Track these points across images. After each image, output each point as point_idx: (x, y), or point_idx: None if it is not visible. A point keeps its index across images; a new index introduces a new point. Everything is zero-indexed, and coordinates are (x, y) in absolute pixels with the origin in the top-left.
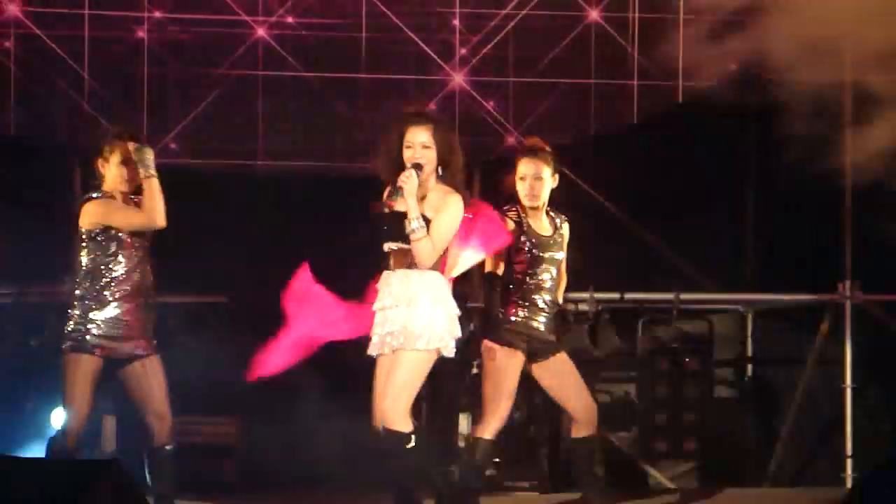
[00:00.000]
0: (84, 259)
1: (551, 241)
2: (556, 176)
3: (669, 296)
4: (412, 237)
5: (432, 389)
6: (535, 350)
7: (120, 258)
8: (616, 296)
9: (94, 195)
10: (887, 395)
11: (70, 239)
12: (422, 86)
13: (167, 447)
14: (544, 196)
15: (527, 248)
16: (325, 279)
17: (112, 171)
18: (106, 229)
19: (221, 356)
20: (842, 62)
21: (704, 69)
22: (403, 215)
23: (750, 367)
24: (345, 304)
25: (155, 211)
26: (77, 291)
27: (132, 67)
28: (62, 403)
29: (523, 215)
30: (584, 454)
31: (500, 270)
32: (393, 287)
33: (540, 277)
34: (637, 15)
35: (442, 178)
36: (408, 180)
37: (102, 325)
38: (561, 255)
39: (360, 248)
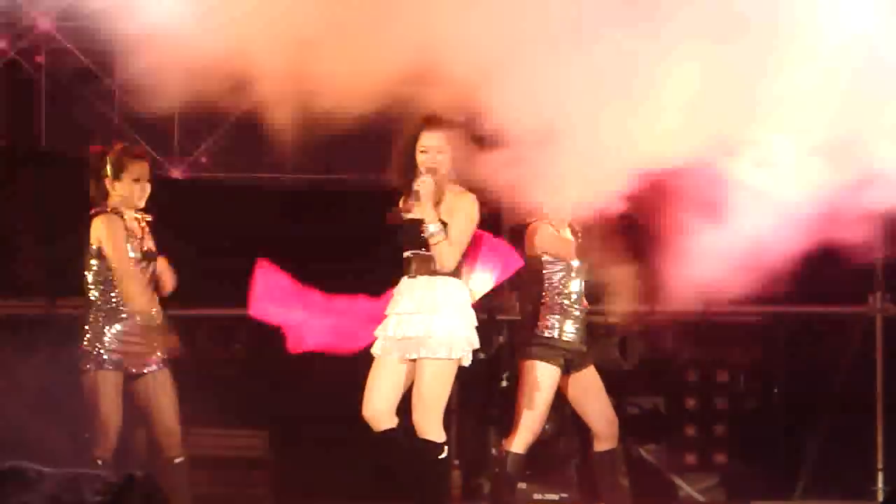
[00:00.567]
0: (93, 275)
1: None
2: None
3: (698, 308)
4: (431, 241)
5: (461, 401)
6: (569, 362)
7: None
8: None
9: (103, 210)
10: None
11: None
12: None
13: (176, 459)
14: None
15: (556, 259)
16: (356, 290)
17: (125, 188)
18: None
19: (251, 369)
20: None
21: None
22: (421, 221)
23: (780, 379)
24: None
25: (133, 296)
26: (90, 308)
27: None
28: (93, 423)
29: (553, 226)
30: (607, 467)
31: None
32: (415, 293)
33: (571, 288)
34: None
35: (459, 182)
36: (423, 185)
37: (115, 341)
38: (586, 265)
39: (390, 260)
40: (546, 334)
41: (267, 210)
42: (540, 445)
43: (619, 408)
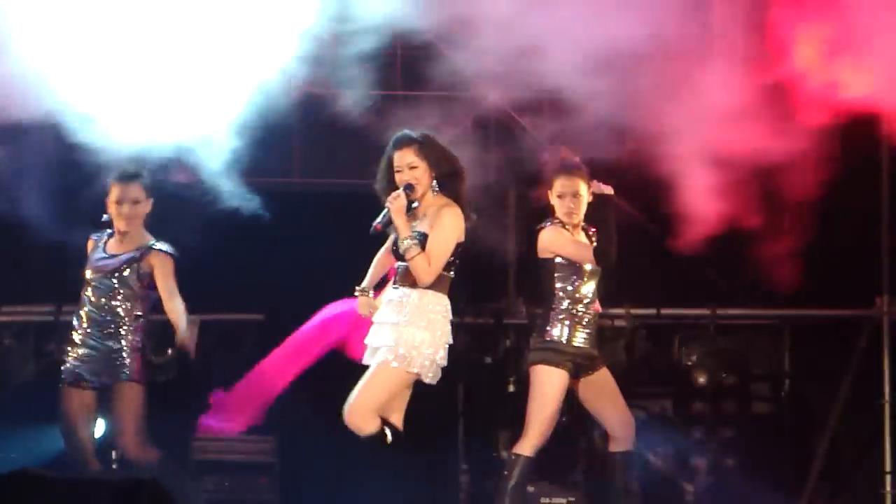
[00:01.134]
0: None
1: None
2: (591, 192)
3: (706, 311)
4: (406, 256)
5: (468, 406)
6: (579, 366)
7: (85, 294)
8: (652, 311)
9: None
10: None
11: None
12: (457, 103)
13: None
14: (582, 212)
15: (569, 263)
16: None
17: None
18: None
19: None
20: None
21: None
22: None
23: (787, 382)
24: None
25: None
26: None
27: None
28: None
29: (566, 230)
30: (619, 469)
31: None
32: (393, 304)
33: (582, 292)
34: None
35: (442, 192)
36: (395, 200)
37: (79, 358)
38: (598, 268)
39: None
40: (555, 339)
41: (274, 214)
42: (548, 448)
43: None
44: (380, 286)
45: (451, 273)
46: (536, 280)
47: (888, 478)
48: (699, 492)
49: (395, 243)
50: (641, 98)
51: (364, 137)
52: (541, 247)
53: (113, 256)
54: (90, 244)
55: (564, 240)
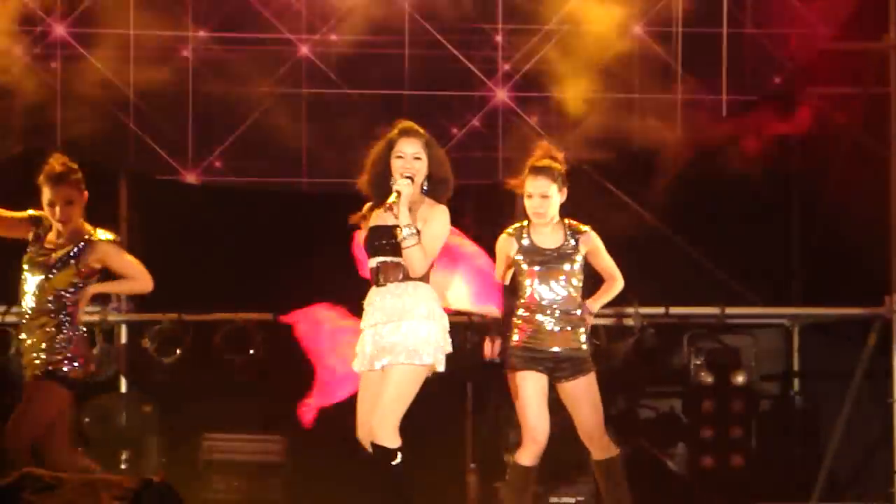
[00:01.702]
0: None
1: (555, 255)
2: (565, 190)
3: (715, 310)
4: (404, 245)
5: (476, 406)
6: (552, 368)
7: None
8: (661, 310)
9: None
10: None
11: None
12: (465, 102)
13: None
14: (552, 212)
15: (526, 265)
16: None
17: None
18: None
19: (268, 374)
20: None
21: (749, 83)
22: (391, 229)
23: (796, 381)
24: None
25: None
26: None
27: (177, 86)
28: None
29: (527, 232)
30: (602, 475)
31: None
32: (386, 302)
33: (542, 294)
34: (681, 29)
35: (427, 193)
36: (404, 188)
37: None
38: (570, 268)
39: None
40: (524, 343)
41: (281, 214)
42: (556, 448)
43: (633, 410)
44: None
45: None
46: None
47: None
48: (707, 490)
49: (377, 238)
50: None
51: (374, 138)
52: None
53: (51, 251)
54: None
55: (498, 255)
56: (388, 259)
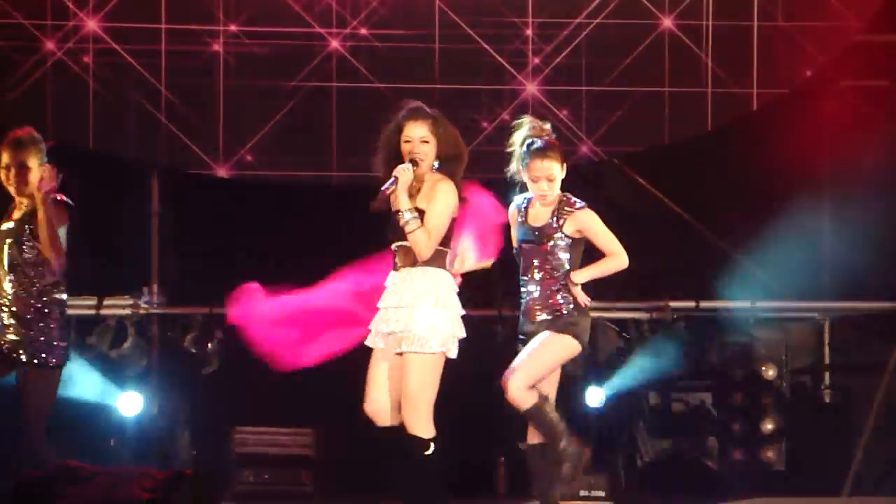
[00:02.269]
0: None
1: (536, 233)
2: (565, 166)
3: (745, 304)
4: (406, 230)
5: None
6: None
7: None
8: (691, 304)
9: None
10: None
11: (146, 251)
12: (495, 95)
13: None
14: (556, 192)
15: (517, 241)
16: None
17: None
18: None
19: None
20: None
21: (779, 76)
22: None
23: (827, 375)
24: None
25: None
26: None
27: (208, 80)
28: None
29: (525, 207)
30: (535, 462)
31: None
32: (398, 287)
33: (527, 269)
34: (711, 22)
35: (441, 170)
36: (403, 172)
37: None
38: (554, 244)
39: None
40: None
41: (312, 208)
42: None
43: (664, 404)
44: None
45: (447, 248)
46: None
47: None
48: (737, 483)
49: (391, 223)
50: None
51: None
52: None
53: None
54: None
55: (511, 221)
56: (402, 243)
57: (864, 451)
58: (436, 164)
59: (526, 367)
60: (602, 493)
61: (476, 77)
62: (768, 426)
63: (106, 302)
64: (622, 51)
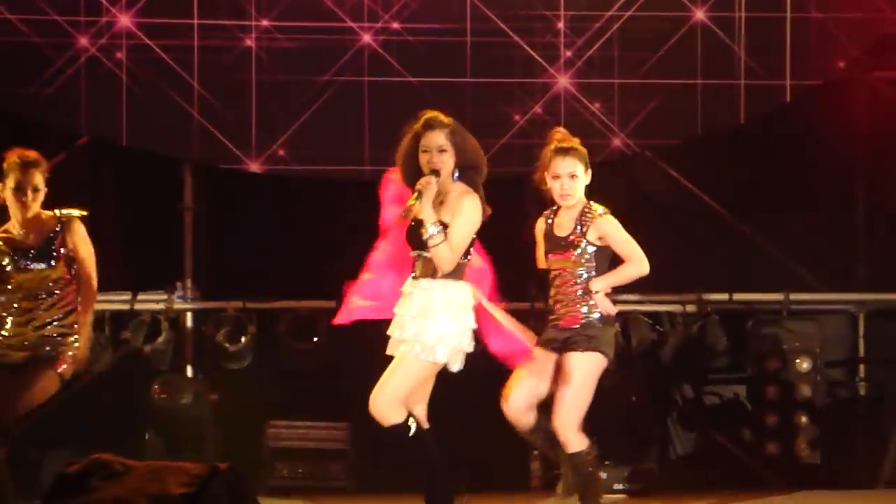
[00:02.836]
0: None
1: (563, 242)
2: (590, 171)
3: (779, 296)
4: (430, 244)
5: None
6: (558, 349)
7: None
8: (725, 297)
9: None
10: None
11: (179, 246)
12: (527, 89)
13: None
14: (579, 193)
15: (545, 252)
16: None
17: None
18: None
19: (332, 361)
20: None
21: (812, 68)
22: (422, 222)
23: (861, 367)
24: None
25: None
26: None
27: (240, 75)
28: None
29: (552, 218)
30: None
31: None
32: (414, 296)
33: (553, 279)
34: (744, 14)
35: (461, 180)
36: (427, 186)
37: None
38: (579, 253)
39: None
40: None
41: (344, 203)
42: (617, 434)
43: (697, 397)
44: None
45: (467, 259)
46: None
47: None
48: (771, 476)
49: (411, 232)
50: None
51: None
52: None
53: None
54: None
55: (537, 238)
56: (422, 253)
57: None
58: (455, 173)
59: (569, 400)
60: (635, 487)
61: (508, 70)
62: (802, 419)
63: (140, 297)
64: (654, 43)
